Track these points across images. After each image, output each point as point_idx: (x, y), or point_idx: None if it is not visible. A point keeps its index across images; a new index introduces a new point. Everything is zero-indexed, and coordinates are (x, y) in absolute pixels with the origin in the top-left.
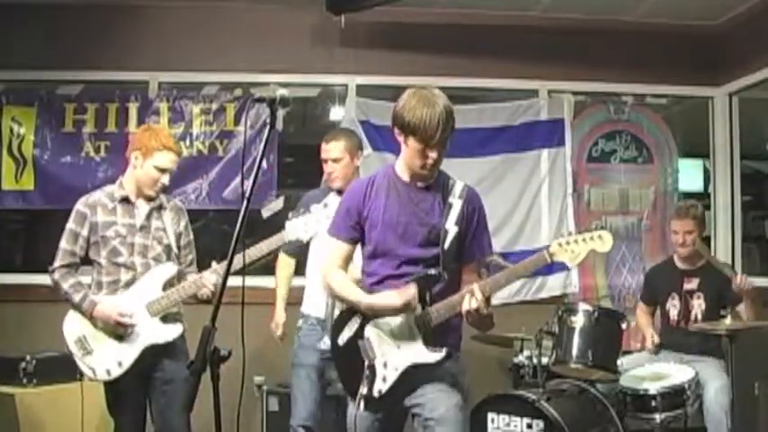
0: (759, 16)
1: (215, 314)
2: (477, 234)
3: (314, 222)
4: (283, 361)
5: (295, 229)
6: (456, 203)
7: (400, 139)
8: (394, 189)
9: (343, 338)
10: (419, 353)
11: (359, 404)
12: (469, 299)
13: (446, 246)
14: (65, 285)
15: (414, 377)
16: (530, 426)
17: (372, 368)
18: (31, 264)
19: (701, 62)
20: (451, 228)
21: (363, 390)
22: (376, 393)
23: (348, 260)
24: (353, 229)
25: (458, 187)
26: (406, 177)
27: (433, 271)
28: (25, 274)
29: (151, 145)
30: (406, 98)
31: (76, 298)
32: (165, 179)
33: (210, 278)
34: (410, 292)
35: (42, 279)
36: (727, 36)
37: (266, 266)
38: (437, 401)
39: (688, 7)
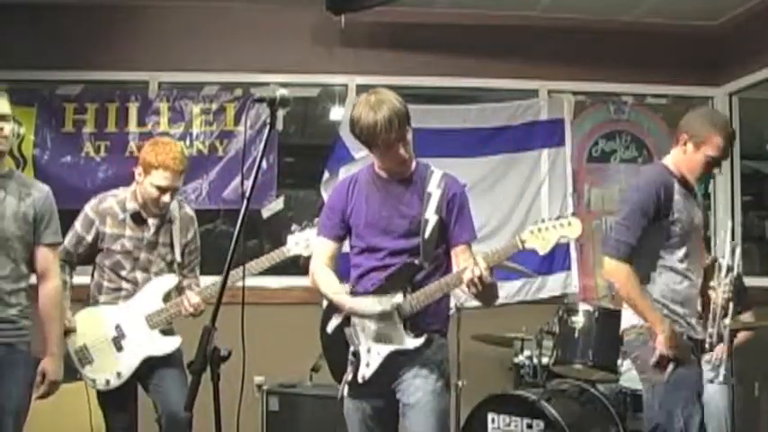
0: (759, 16)
1: (215, 314)
2: (461, 218)
3: (315, 238)
4: (283, 361)
5: (297, 245)
6: (435, 193)
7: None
8: (374, 185)
9: (331, 326)
10: (400, 339)
11: (343, 389)
12: (473, 268)
13: (426, 235)
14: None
15: (396, 364)
16: (530, 426)
17: (357, 354)
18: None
19: (701, 62)
20: (431, 217)
21: (348, 376)
22: (360, 379)
23: (335, 258)
24: (338, 227)
25: (436, 176)
26: (384, 174)
27: (416, 261)
28: None
29: (149, 162)
30: (354, 109)
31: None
32: (166, 198)
33: (193, 299)
34: (391, 302)
35: None
36: (727, 36)
37: None
38: (415, 387)
39: (688, 7)
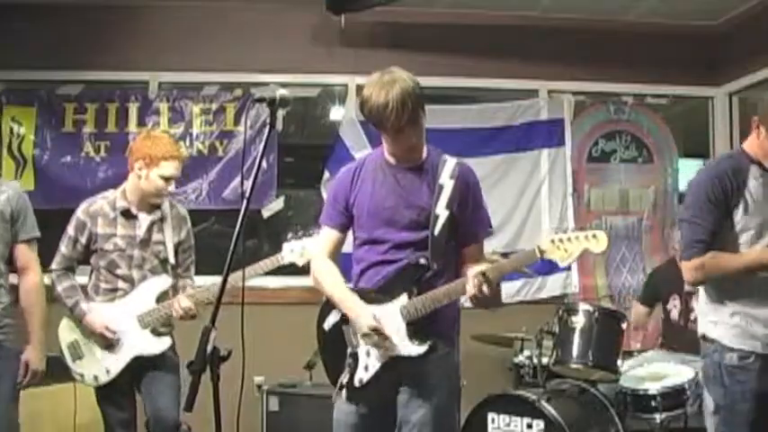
0: (759, 16)
1: (215, 314)
2: (475, 212)
3: (311, 247)
4: (283, 361)
5: (292, 252)
6: (447, 184)
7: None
8: (381, 172)
9: (328, 323)
10: (402, 345)
11: (338, 392)
12: (479, 282)
13: (436, 231)
14: (59, 288)
15: (397, 370)
16: (530, 426)
17: (355, 356)
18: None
19: (701, 62)
20: (442, 212)
21: (344, 378)
22: (357, 382)
23: (338, 249)
24: (342, 215)
25: (449, 166)
26: (392, 159)
27: (422, 260)
28: None
29: (155, 154)
30: (365, 88)
31: (69, 303)
32: (171, 187)
33: (183, 302)
34: (378, 327)
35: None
36: (727, 36)
37: None
38: (417, 403)
39: (688, 7)
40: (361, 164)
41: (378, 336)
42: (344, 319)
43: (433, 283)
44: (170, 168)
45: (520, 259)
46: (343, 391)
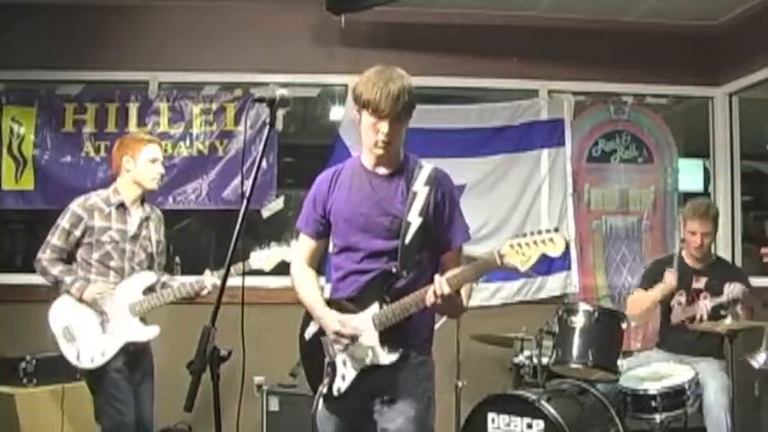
0: (759, 16)
1: (215, 314)
2: (452, 220)
3: (276, 254)
4: (283, 361)
5: (259, 260)
6: (421, 191)
7: (358, 115)
8: (357, 178)
9: (309, 333)
10: (375, 353)
11: (317, 402)
12: (433, 291)
13: (407, 239)
14: (54, 271)
15: (373, 379)
16: (530, 426)
17: (333, 365)
18: (31, 264)
19: (701, 62)
20: (414, 219)
21: (323, 388)
22: (335, 392)
23: (316, 256)
24: (318, 222)
25: (424, 173)
26: (369, 164)
27: (393, 268)
28: (25, 274)
29: (136, 144)
30: (366, 73)
31: (69, 279)
32: (160, 168)
33: (210, 279)
34: (348, 329)
35: (42, 279)
36: (727, 36)
37: None
38: (393, 413)
39: (688, 7)
40: (340, 169)
41: (345, 339)
42: (323, 330)
43: (405, 291)
44: (152, 151)
45: (480, 265)
46: (321, 399)
